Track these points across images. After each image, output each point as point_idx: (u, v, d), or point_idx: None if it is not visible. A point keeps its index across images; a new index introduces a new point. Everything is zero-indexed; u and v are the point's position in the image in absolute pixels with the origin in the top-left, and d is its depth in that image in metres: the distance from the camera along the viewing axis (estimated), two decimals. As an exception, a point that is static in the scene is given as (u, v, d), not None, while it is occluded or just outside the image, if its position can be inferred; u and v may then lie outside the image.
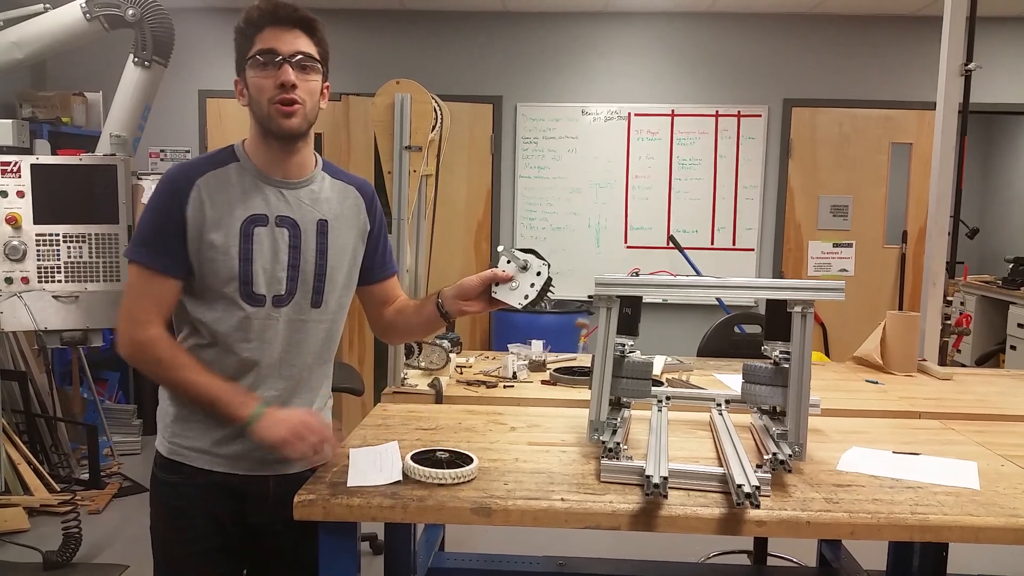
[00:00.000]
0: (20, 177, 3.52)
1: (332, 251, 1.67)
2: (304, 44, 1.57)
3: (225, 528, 1.66)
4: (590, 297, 5.24)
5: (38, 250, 3.54)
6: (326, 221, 1.67)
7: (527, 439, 1.84)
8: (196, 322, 1.60)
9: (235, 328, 1.59)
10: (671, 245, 5.44)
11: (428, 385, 2.26)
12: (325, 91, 1.65)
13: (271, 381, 1.63)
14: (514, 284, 1.67)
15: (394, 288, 1.87)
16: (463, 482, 1.52)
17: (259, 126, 1.60)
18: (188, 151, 5.42)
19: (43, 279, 3.55)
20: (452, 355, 2.54)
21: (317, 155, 1.72)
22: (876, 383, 2.54)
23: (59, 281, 3.56)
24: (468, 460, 1.58)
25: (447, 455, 1.60)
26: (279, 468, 1.66)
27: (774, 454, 1.55)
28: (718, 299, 5.13)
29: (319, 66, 1.61)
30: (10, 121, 3.81)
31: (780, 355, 1.78)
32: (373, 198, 1.79)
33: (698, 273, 5.23)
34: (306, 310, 1.65)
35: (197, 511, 1.64)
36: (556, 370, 2.48)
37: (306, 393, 1.69)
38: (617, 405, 1.83)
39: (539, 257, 1.67)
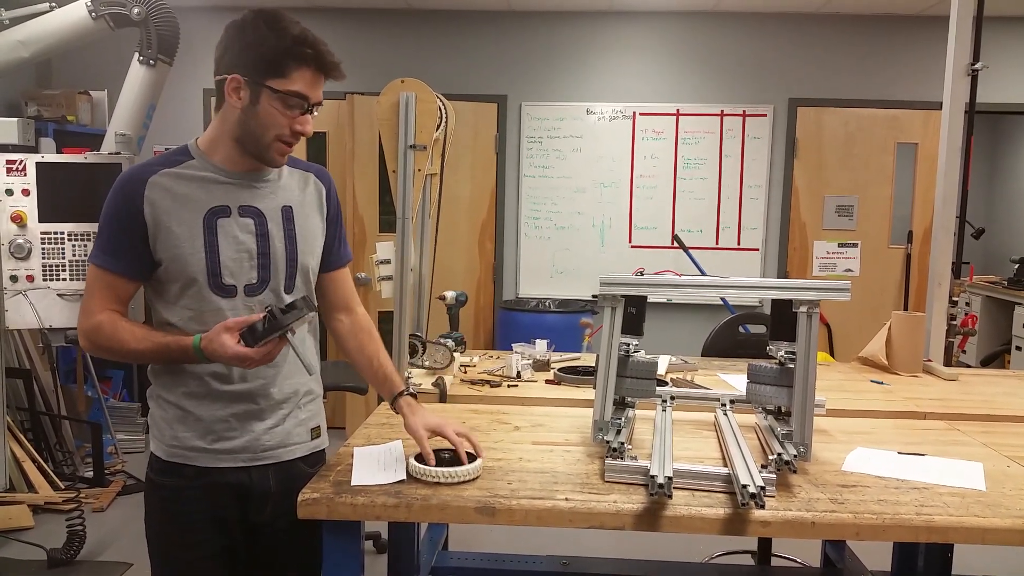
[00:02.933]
0: (25, 175, 3.52)
1: (300, 236, 1.67)
2: (322, 92, 1.59)
3: (229, 530, 1.66)
4: (594, 296, 5.23)
5: (43, 248, 3.54)
6: (291, 207, 1.67)
7: (531, 439, 1.84)
8: (169, 327, 1.60)
9: (210, 322, 1.58)
10: (676, 245, 5.44)
11: (432, 384, 2.26)
12: None
13: (257, 370, 1.62)
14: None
15: (345, 280, 1.84)
16: (466, 480, 1.52)
17: (242, 141, 1.58)
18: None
19: (48, 277, 3.55)
20: (456, 354, 2.54)
21: None
22: (881, 383, 2.53)
23: (64, 279, 3.57)
24: (472, 458, 1.57)
25: (450, 455, 1.59)
26: (281, 454, 1.67)
27: (779, 454, 1.55)
28: (723, 299, 5.13)
29: None
30: (15, 119, 3.82)
31: (785, 355, 1.78)
32: (331, 184, 1.80)
33: (703, 273, 5.22)
34: (283, 296, 1.65)
35: (200, 514, 1.63)
36: (560, 370, 2.48)
37: (293, 378, 1.69)
38: (621, 405, 1.83)
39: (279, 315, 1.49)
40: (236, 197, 1.61)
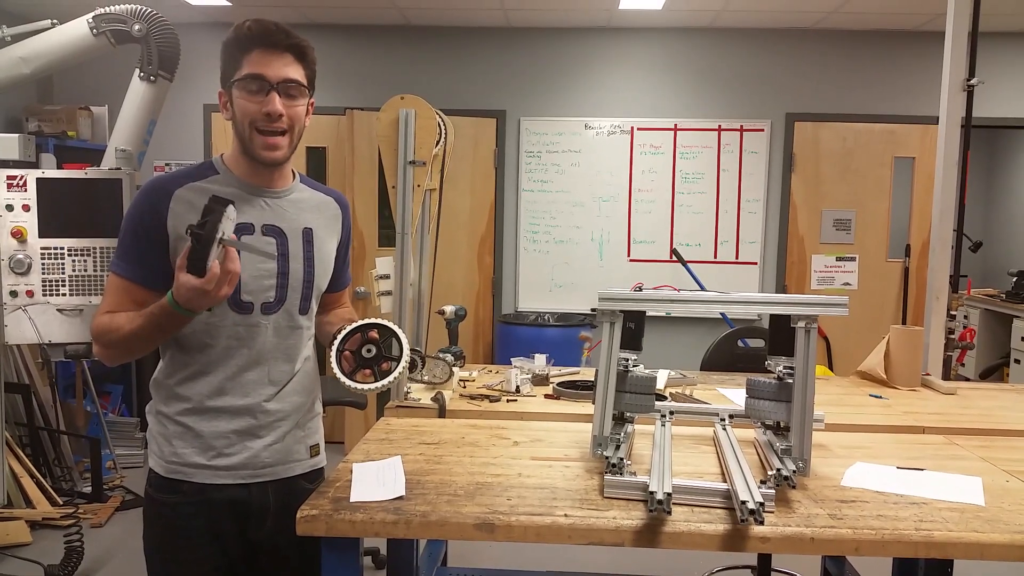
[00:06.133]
0: (26, 191, 3.53)
1: (318, 259, 1.69)
2: (293, 70, 1.57)
3: (228, 547, 1.66)
4: (593, 311, 5.23)
5: (43, 263, 3.55)
6: (311, 229, 1.69)
7: (530, 454, 1.84)
8: (180, 337, 1.59)
9: (221, 335, 1.59)
10: (674, 259, 5.44)
11: (431, 399, 2.26)
12: (309, 108, 1.65)
13: (260, 388, 1.64)
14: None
15: (341, 303, 1.88)
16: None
17: (241, 146, 1.61)
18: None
19: (48, 292, 3.55)
20: (455, 369, 2.54)
21: (292, 168, 1.74)
22: (880, 398, 2.53)
23: (63, 294, 3.57)
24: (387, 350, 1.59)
25: (372, 351, 1.60)
26: (280, 472, 1.67)
27: (778, 470, 1.55)
28: (722, 313, 5.13)
29: (306, 91, 1.61)
30: (16, 135, 3.83)
31: (784, 370, 1.78)
32: (348, 211, 1.82)
33: (701, 287, 5.22)
34: (296, 317, 1.67)
35: (199, 530, 1.63)
36: (559, 384, 2.48)
37: (294, 396, 1.70)
38: (621, 420, 1.83)
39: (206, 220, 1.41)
40: (260, 215, 1.62)
